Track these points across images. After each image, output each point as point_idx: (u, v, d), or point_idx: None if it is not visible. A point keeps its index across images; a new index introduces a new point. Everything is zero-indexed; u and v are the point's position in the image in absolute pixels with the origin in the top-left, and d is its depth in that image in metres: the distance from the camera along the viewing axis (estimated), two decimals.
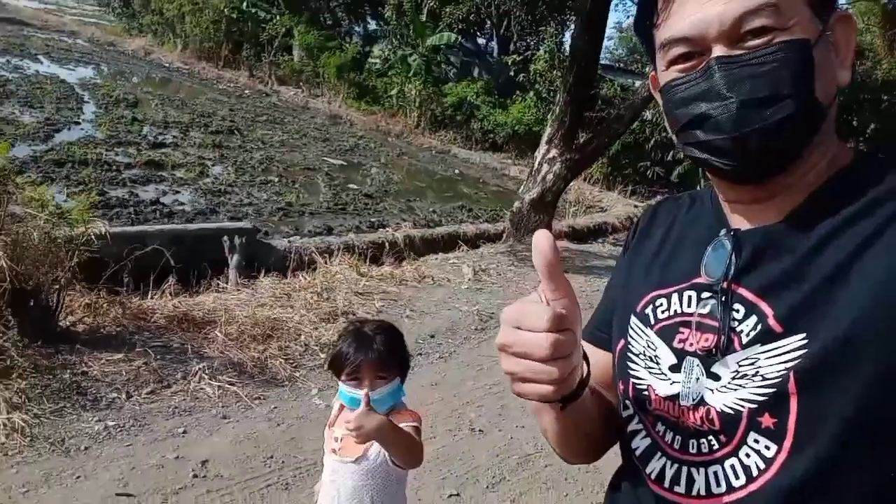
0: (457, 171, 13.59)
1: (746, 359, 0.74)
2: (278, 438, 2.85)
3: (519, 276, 6.30)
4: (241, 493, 2.52)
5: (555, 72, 14.00)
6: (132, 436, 2.82)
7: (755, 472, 0.73)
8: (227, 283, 5.28)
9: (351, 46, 18.07)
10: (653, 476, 0.83)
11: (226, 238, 5.60)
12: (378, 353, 1.59)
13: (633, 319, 0.89)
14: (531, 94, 15.38)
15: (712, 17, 0.73)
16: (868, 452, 0.68)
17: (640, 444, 0.86)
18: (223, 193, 8.70)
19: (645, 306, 0.87)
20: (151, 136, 10.56)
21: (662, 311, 0.85)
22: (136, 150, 9.60)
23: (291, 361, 3.67)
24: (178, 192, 8.38)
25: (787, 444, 0.70)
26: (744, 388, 0.74)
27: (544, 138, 7.88)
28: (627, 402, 0.89)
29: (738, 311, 0.76)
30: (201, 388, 3.25)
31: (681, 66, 0.77)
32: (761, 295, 0.75)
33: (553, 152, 7.63)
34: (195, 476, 2.59)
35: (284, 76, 18.33)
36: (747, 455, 0.74)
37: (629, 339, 0.89)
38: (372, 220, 9.09)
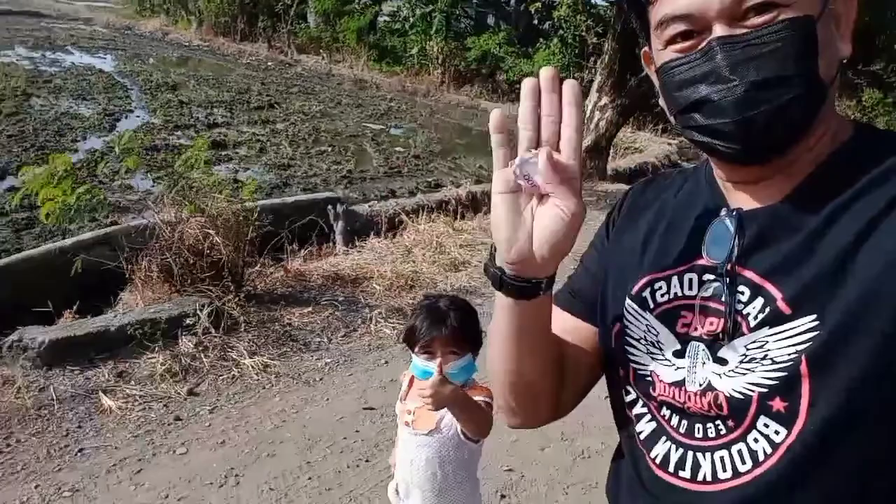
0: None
1: (755, 342, 0.74)
2: None
3: (590, 217, 6.93)
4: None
5: (578, 17, 14.32)
6: (348, 368, 3.55)
7: (761, 457, 0.73)
8: (334, 247, 5.97)
9: (368, 9, 18.35)
10: (657, 460, 0.82)
11: (330, 207, 6.28)
12: (451, 328, 1.62)
13: (629, 302, 0.86)
14: (555, 40, 15.69)
15: None
16: (876, 430, 0.69)
17: (646, 427, 0.85)
18: (288, 167, 9.33)
19: (642, 289, 0.86)
20: (202, 117, 11.15)
21: (662, 295, 0.83)
22: (194, 132, 10.21)
23: None
24: (247, 168, 9.01)
25: (798, 427, 0.70)
26: (753, 372, 0.73)
27: (594, 87, 8.40)
28: (629, 387, 0.88)
29: (742, 293, 0.76)
30: (381, 330, 3.97)
31: (679, 46, 0.75)
32: (767, 276, 0.74)
33: (604, 100, 8.17)
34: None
35: (303, 44, 18.69)
36: (755, 440, 0.73)
37: (626, 323, 0.87)
38: (427, 180, 9.68)
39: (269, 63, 17.55)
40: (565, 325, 0.94)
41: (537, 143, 0.72)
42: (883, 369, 0.67)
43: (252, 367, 3.39)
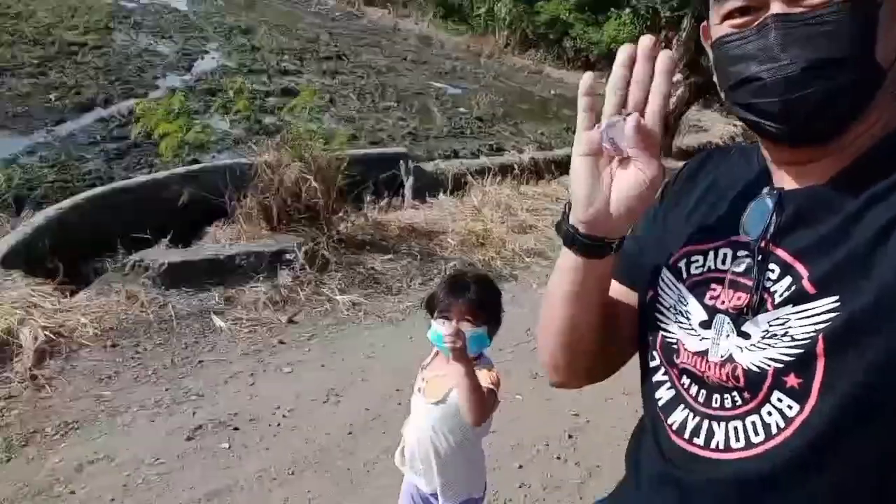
0: (553, 92, 14.15)
1: (777, 319, 0.75)
2: (525, 318, 3.83)
3: None
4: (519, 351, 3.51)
5: None
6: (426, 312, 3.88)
7: (774, 430, 0.74)
8: (402, 201, 6.28)
9: None
10: (674, 427, 0.85)
11: (402, 162, 6.57)
12: (469, 299, 1.69)
13: (665, 272, 0.89)
14: (627, 10, 15.48)
15: None
16: (886, 416, 0.69)
17: (665, 394, 0.88)
18: (355, 120, 9.63)
19: (678, 260, 0.88)
20: (273, 63, 11.47)
21: (697, 267, 0.85)
22: (267, 78, 10.56)
23: (508, 263, 4.67)
24: (317, 118, 9.32)
25: (810, 404, 0.71)
26: (772, 347, 0.75)
27: None
28: (655, 353, 0.90)
29: (773, 271, 0.77)
30: None
31: (736, 21, 0.75)
32: (798, 256, 0.75)
33: (678, 76, 8.21)
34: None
35: None
36: (769, 413, 0.75)
37: (660, 290, 0.89)
38: (489, 143, 9.87)
39: (337, 13, 17.77)
40: (615, 290, 0.97)
41: (620, 110, 0.76)
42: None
43: (343, 303, 3.74)
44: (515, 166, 8.14)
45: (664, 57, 0.75)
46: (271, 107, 9.16)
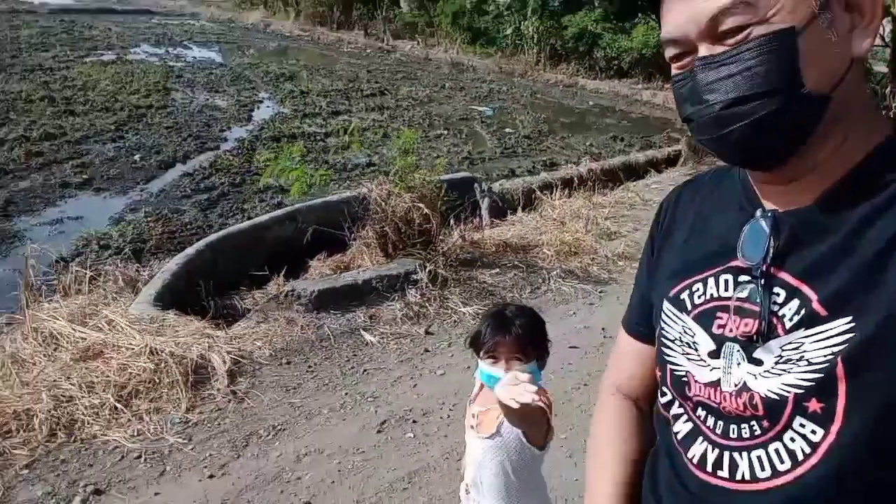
0: (591, 103, 14.65)
1: (790, 343, 0.75)
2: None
3: None
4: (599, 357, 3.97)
5: None
6: (544, 317, 4.36)
7: (801, 457, 0.74)
8: (480, 221, 6.79)
9: None
10: (694, 460, 0.85)
11: (477, 184, 7.11)
12: (515, 335, 1.68)
13: (667, 305, 0.91)
14: (654, 15, 15.90)
15: (689, 19, 0.75)
16: None
17: (682, 428, 0.88)
18: (413, 150, 10.22)
19: (680, 292, 0.89)
20: (324, 105, 12.19)
21: (699, 297, 0.86)
22: (322, 119, 11.27)
23: (604, 268, 5.13)
24: (378, 153, 9.96)
25: (836, 427, 0.72)
26: (788, 373, 0.75)
27: None
28: (665, 388, 0.92)
29: (778, 294, 0.77)
30: (560, 288, 4.75)
31: (677, 64, 0.80)
32: (803, 278, 0.76)
33: None
34: (603, 339, 4.08)
35: (397, 30, 19.64)
36: (792, 439, 0.75)
37: (662, 324, 0.91)
38: (542, 158, 10.37)
39: (368, 50, 18.63)
40: (642, 352, 1.02)
41: None
42: None
43: (468, 314, 4.24)
44: (575, 179, 8.62)
45: None
46: (334, 146, 9.83)
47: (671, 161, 9.71)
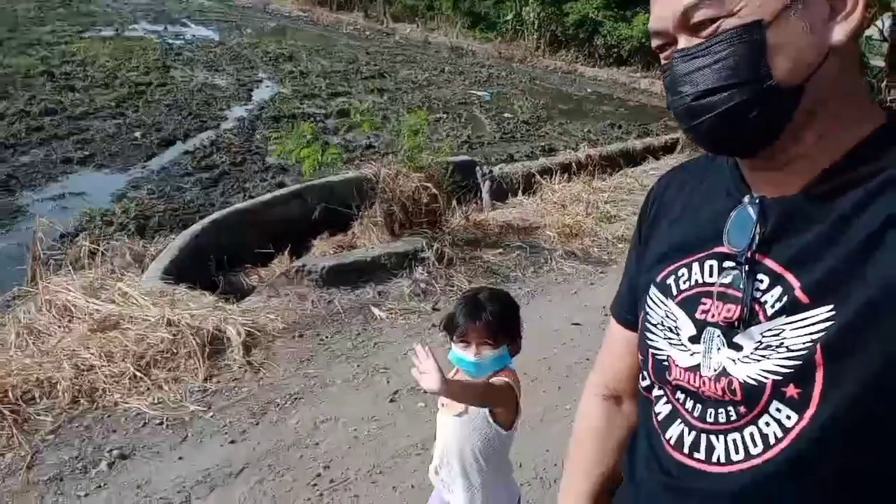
0: (589, 90, 14.72)
1: (770, 330, 0.76)
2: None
3: None
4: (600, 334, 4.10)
5: None
6: (546, 296, 4.48)
7: (773, 441, 0.76)
8: (481, 204, 6.89)
9: None
10: (672, 441, 0.87)
11: (478, 168, 7.20)
12: (486, 321, 1.72)
13: (653, 290, 0.92)
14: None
15: (666, 12, 0.78)
16: (885, 425, 0.71)
17: (662, 409, 0.90)
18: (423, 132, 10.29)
19: (666, 277, 0.90)
20: (324, 86, 12.22)
21: (684, 282, 0.87)
22: (321, 101, 11.30)
23: (604, 250, 5.26)
24: (377, 135, 10.02)
25: (810, 412, 0.73)
26: (768, 359, 0.76)
27: None
28: (646, 373, 0.94)
29: (761, 281, 0.79)
30: (562, 268, 4.87)
31: (663, 55, 0.82)
32: (787, 266, 0.77)
33: None
34: (604, 317, 4.21)
35: (396, 13, 19.60)
36: (767, 423, 0.76)
37: (647, 309, 0.93)
38: (541, 144, 10.46)
39: (368, 32, 18.60)
40: (630, 341, 1.03)
41: None
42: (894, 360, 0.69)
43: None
44: (573, 164, 8.71)
45: None
46: (332, 128, 9.88)
47: (668, 149, 9.81)
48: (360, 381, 3.42)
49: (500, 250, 4.98)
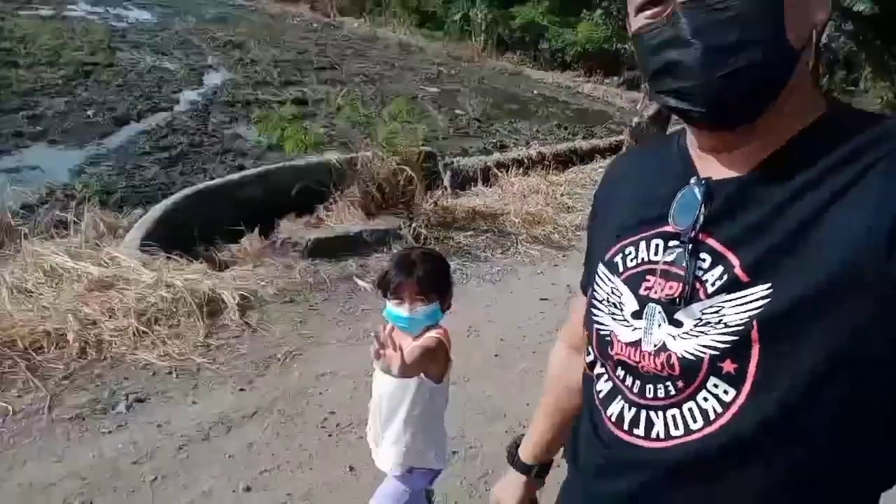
0: (535, 92, 15.31)
1: (710, 307, 0.78)
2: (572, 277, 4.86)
3: None
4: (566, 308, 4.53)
5: None
6: (515, 275, 4.87)
7: (712, 416, 0.77)
8: (443, 193, 7.25)
9: None
10: (612, 418, 0.89)
11: (439, 159, 7.56)
12: (418, 277, 1.79)
13: (601, 267, 0.94)
14: (598, 11, 16.73)
15: None
16: (827, 402, 0.72)
17: (603, 387, 0.93)
18: (367, 125, 10.55)
19: (614, 255, 0.92)
20: (275, 75, 12.32)
21: (631, 260, 0.90)
22: (275, 88, 11.42)
23: (564, 236, 5.69)
24: (334, 124, 10.24)
25: (746, 388, 0.75)
26: (706, 335, 0.78)
27: None
28: (590, 348, 0.97)
29: (704, 260, 0.80)
30: (528, 251, 5.28)
31: (648, 13, 0.80)
32: (730, 245, 0.78)
33: None
34: (569, 294, 4.62)
35: (344, 7, 19.78)
36: (705, 399, 0.78)
37: (595, 286, 0.95)
38: (492, 140, 10.90)
39: (314, 24, 18.70)
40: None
41: None
42: (838, 338, 0.71)
43: (452, 267, 4.70)
44: (526, 160, 9.17)
45: None
46: (289, 116, 10.02)
47: (613, 150, 10.39)
48: (354, 342, 3.71)
49: (471, 233, 5.35)
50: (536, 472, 1.25)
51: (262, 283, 4.11)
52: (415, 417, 1.87)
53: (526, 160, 9.15)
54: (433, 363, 1.83)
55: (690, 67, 0.76)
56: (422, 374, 1.81)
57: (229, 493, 2.58)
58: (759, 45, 0.74)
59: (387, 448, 1.94)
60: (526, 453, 1.25)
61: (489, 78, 15.99)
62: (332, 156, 5.87)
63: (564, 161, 9.59)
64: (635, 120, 10.03)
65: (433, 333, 1.82)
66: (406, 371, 1.58)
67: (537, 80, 16.45)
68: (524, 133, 11.67)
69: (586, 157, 10.01)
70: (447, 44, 17.98)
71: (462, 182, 7.72)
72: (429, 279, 1.81)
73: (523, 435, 1.27)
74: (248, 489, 2.60)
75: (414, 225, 4.91)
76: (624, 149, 10.25)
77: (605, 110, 14.16)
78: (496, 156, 9.24)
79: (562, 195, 6.80)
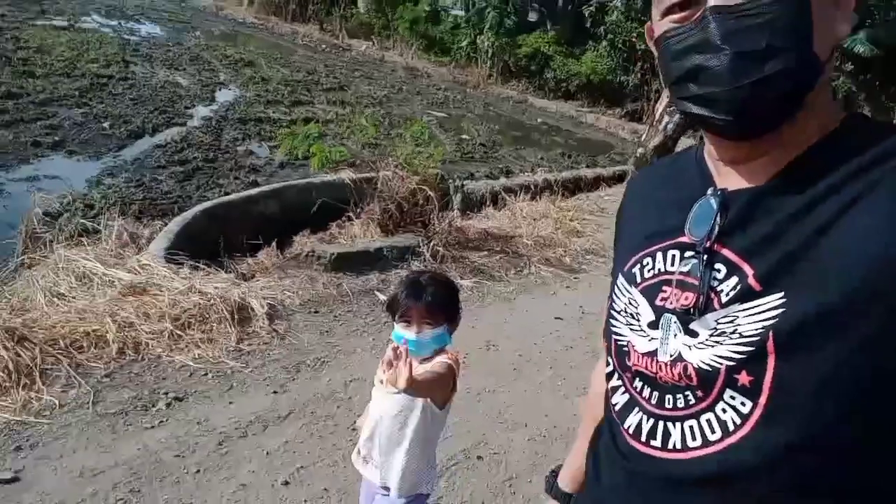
0: (539, 120, 15.63)
1: (725, 317, 0.79)
2: (586, 299, 5.04)
3: None
4: (580, 327, 4.70)
5: (630, 23, 15.77)
6: (529, 294, 5.06)
7: (731, 427, 0.77)
8: (456, 214, 7.46)
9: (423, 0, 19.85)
10: (630, 430, 0.90)
11: (450, 181, 7.78)
12: (427, 301, 1.82)
13: (620, 279, 0.96)
14: (604, 43, 17.09)
15: None
16: (846, 413, 0.72)
17: (620, 399, 0.94)
18: (377, 146, 10.80)
19: (632, 266, 0.94)
20: (286, 93, 12.58)
21: (648, 271, 0.91)
22: (285, 107, 11.67)
23: (576, 259, 5.90)
24: (344, 145, 10.47)
25: (762, 400, 0.75)
26: (721, 345, 0.78)
27: (664, 91, 9.91)
28: (609, 359, 0.98)
29: (719, 270, 0.81)
30: (540, 272, 5.47)
31: (676, 17, 0.80)
32: (744, 256, 0.79)
33: (671, 107, 9.67)
34: (582, 314, 4.81)
35: (352, 29, 20.16)
36: (723, 410, 0.78)
37: (613, 297, 0.97)
38: (499, 166, 11.16)
39: (323, 45, 19.04)
40: None
41: None
42: (857, 350, 0.70)
43: (465, 286, 4.89)
44: (533, 186, 9.40)
45: None
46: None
47: (618, 179, 10.67)
48: (379, 351, 3.87)
49: (485, 253, 5.55)
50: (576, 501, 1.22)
51: (288, 294, 4.29)
52: (418, 440, 1.90)
53: (533, 186, 9.41)
54: (441, 389, 1.87)
55: (718, 73, 0.76)
56: (427, 400, 1.85)
57: (268, 487, 2.73)
58: (788, 54, 0.74)
59: (388, 469, 1.94)
60: (565, 480, 1.22)
61: (494, 104, 16.32)
62: (346, 175, 6.10)
63: (570, 189, 9.85)
64: (639, 150, 10.36)
65: (444, 359, 1.85)
66: (413, 389, 1.57)
67: (541, 108, 16.77)
68: (529, 160, 11.93)
69: (591, 185, 10.26)
70: (453, 69, 18.33)
71: (471, 205, 7.95)
72: (437, 303, 1.85)
73: (561, 465, 1.25)
74: (286, 483, 2.76)
75: (432, 243, 5.09)
76: (628, 177, 10.55)
77: (608, 141, 14.47)
78: (503, 181, 9.47)
79: (570, 220, 7.02)
